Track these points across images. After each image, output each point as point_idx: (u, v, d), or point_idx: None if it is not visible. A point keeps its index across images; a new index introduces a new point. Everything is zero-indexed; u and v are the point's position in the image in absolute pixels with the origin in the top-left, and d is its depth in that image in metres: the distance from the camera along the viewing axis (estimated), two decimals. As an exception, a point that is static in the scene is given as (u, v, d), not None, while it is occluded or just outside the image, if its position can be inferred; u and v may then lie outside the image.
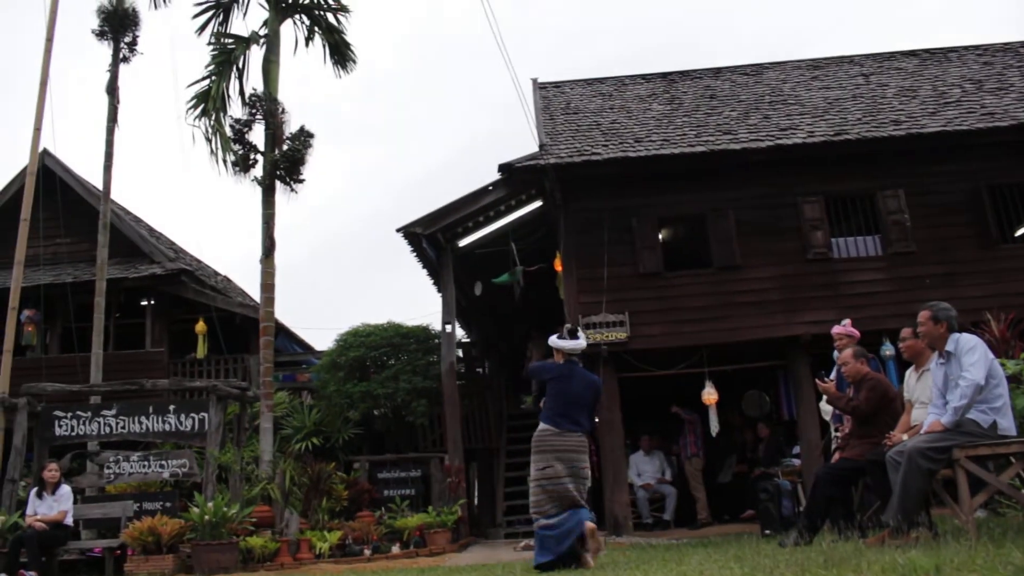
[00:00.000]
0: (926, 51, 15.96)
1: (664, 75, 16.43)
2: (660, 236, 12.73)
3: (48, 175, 15.58)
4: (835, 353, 8.43)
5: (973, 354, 5.65)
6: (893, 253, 12.03)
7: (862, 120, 12.80)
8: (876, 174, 12.33)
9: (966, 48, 15.91)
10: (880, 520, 6.00)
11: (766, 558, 5.43)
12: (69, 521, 10.11)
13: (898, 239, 12.03)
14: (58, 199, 15.37)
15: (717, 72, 16.26)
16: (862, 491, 7.04)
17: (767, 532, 9.34)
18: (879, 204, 12.23)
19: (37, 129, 13.07)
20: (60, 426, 11.17)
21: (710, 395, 11.92)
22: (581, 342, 6.81)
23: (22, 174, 15.04)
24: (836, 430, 8.31)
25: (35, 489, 10.16)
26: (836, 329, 8.19)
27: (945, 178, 12.31)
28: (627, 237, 12.21)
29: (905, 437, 6.09)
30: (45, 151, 15.33)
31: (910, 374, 6.70)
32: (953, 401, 5.61)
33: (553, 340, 6.77)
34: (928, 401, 6.11)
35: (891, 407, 6.85)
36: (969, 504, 5.51)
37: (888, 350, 11.17)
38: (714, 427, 12.08)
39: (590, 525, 6.28)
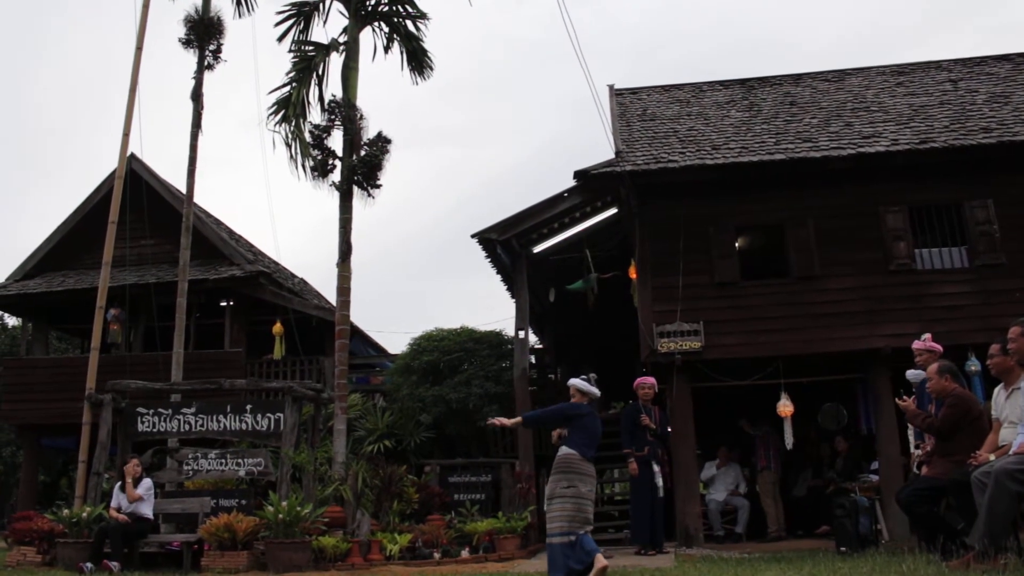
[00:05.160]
0: (1020, 55, 15.38)
1: (743, 81, 16.18)
2: (737, 245, 12.52)
3: (135, 179, 16.05)
4: (907, 372, 8.25)
5: None
6: (980, 265, 11.63)
7: (949, 127, 12.41)
8: (963, 183, 11.93)
9: (1062, 52, 15.31)
10: (965, 542, 5.80)
11: (843, 577, 5.31)
12: (149, 514, 10.40)
13: (986, 251, 11.62)
14: (144, 202, 15.84)
15: (797, 78, 15.95)
16: (944, 511, 6.82)
17: (842, 549, 9.11)
18: (966, 214, 11.84)
19: (126, 135, 13.47)
20: (143, 422, 11.52)
21: (786, 407, 11.68)
22: (597, 390, 7.48)
23: (110, 178, 15.52)
24: (916, 447, 8.09)
25: (119, 483, 10.49)
26: (916, 344, 7.98)
27: (1038, 188, 11.85)
28: (703, 245, 12.04)
29: (992, 457, 5.87)
30: (132, 156, 15.79)
31: (998, 391, 6.46)
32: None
33: (577, 383, 7.41)
34: (1018, 420, 5.89)
35: (974, 425, 6.62)
36: (1061, 529, 5.29)
37: (974, 365, 10.79)
38: (789, 440, 11.83)
39: (603, 561, 6.62)
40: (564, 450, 7.15)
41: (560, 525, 6.83)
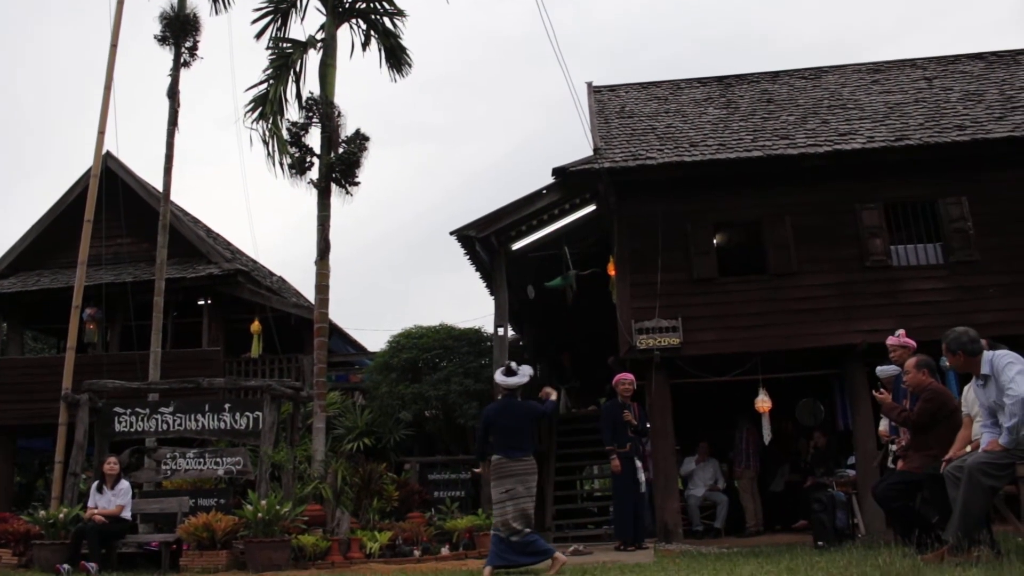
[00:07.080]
0: (993, 54, 15.55)
1: (720, 79, 16.25)
2: (715, 241, 12.59)
3: (111, 177, 15.90)
4: (877, 368, 8.34)
5: (1011, 369, 5.50)
6: (955, 262, 11.74)
7: (924, 125, 12.52)
8: (938, 181, 12.04)
9: (1035, 50, 15.46)
10: (939, 536, 5.86)
11: (820, 571, 5.35)
12: (128, 515, 10.33)
13: (960, 247, 11.74)
14: (120, 200, 15.69)
15: (774, 76, 16.04)
16: (919, 505, 6.88)
17: (820, 543, 9.19)
18: (941, 211, 11.95)
19: (101, 132, 13.35)
20: (120, 422, 11.43)
21: (764, 403, 11.75)
22: (514, 379, 7.78)
23: (86, 176, 15.37)
24: (892, 442, 8.16)
25: (96, 483, 10.42)
26: (891, 340, 8.04)
27: (1012, 185, 11.97)
28: (681, 242, 12.09)
29: (968, 448, 5.94)
30: (108, 154, 15.64)
31: (969, 388, 6.53)
32: (1004, 422, 5.45)
33: (495, 376, 7.80)
34: (986, 417, 5.95)
35: (950, 419, 6.69)
36: (1033, 522, 5.36)
37: (947, 361, 10.88)
38: (767, 435, 11.92)
39: (560, 558, 7.37)
40: (494, 456, 7.76)
41: (511, 527, 7.51)
